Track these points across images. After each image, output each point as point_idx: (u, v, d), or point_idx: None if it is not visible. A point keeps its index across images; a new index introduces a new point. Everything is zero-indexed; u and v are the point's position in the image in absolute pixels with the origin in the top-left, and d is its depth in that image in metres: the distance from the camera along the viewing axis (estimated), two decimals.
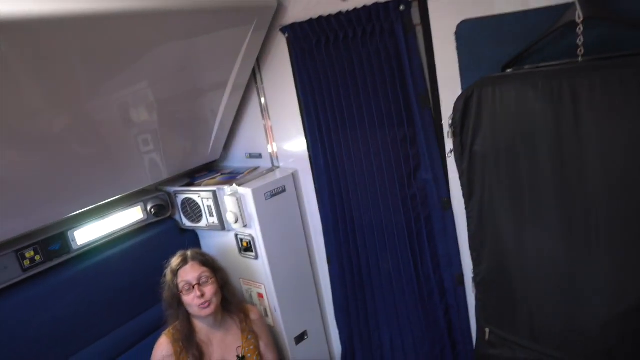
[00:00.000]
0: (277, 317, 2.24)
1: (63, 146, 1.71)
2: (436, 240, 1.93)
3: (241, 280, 2.32)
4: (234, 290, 2.08)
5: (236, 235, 2.22)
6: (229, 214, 2.13)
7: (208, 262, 1.98)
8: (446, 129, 1.51)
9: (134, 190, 2.11)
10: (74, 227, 2.03)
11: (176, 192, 2.31)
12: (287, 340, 2.27)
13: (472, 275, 1.64)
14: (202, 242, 2.40)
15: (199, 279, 1.91)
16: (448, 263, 1.93)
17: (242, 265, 2.28)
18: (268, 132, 2.30)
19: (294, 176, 2.26)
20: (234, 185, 2.14)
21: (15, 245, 1.87)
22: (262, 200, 2.12)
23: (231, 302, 2.03)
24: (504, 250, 1.46)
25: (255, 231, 2.14)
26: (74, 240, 2.03)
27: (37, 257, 1.93)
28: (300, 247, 2.32)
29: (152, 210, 2.27)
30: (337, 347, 2.45)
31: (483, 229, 1.50)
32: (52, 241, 1.97)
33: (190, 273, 1.92)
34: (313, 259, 2.37)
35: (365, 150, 1.95)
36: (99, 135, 1.85)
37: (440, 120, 1.73)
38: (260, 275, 2.22)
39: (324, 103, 2.00)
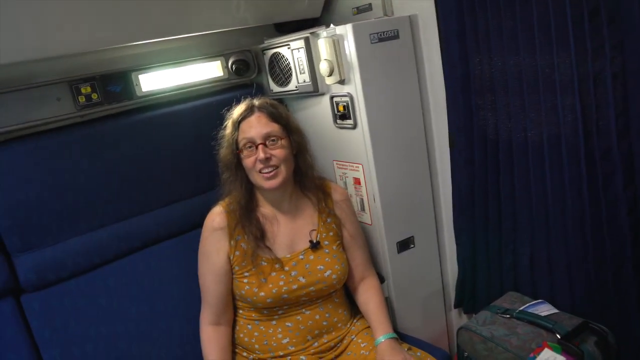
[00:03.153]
0: (377, 211, 1.71)
1: None
2: (628, 86, 1.23)
3: (334, 163, 1.82)
4: (312, 162, 1.55)
5: (331, 99, 1.72)
6: (322, 64, 1.63)
7: (281, 118, 1.46)
8: None
9: (211, 30, 1.70)
10: (140, 70, 1.70)
11: (264, 49, 1.87)
12: (386, 244, 1.73)
13: None
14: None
15: (266, 137, 1.42)
16: None
17: (336, 141, 1.78)
18: None
19: (412, 21, 1.68)
20: (332, 25, 1.63)
21: (69, 77, 1.58)
22: (366, 42, 1.58)
23: (307, 175, 1.52)
24: None
25: (354, 88, 1.62)
26: (138, 84, 1.70)
27: (94, 96, 1.62)
28: (413, 119, 1.74)
29: (234, 66, 1.86)
30: (452, 263, 1.85)
31: None
32: (113, 80, 1.66)
33: (255, 127, 1.42)
34: (430, 137, 1.78)
35: None
36: None
37: None
38: (359, 152, 1.70)
39: None
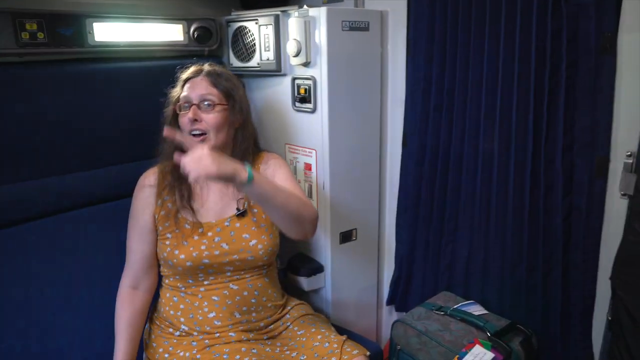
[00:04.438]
0: (324, 199, 1.70)
1: None
2: (578, 104, 1.33)
3: (286, 146, 1.80)
4: (252, 136, 1.51)
5: (293, 80, 1.70)
6: (290, 43, 1.60)
7: (224, 86, 1.42)
8: None
9: None
10: (96, 17, 1.58)
11: (229, 21, 1.82)
12: (329, 233, 1.72)
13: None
14: (249, 94, 1.87)
15: (202, 99, 1.38)
16: (589, 141, 1.32)
17: (291, 125, 1.75)
18: None
19: (383, 16, 1.70)
20: (305, 6, 1.62)
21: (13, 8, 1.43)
22: (337, 29, 1.58)
23: (245, 150, 1.47)
24: None
25: (319, 71, 1.61)
26: (91, 32, 1.57)
27: (40, 35, 1.48)
28: (372, 112, 1.76)
29: (196, 33, 1.79)
30: (390, 260, 1.88)
31: None
32: (65, 22, 1.52)
33: (194, 89, 1.40)
34: (384, 133, 1.81)
35: None
36: None
37: None
38: (314, 137, 1.68)
39: None
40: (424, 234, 1.73)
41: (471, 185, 1.58)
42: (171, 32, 1.77)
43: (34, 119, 1.49)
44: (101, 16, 1.59)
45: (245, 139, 1.47)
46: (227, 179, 1.12)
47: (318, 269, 1.75)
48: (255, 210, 1.45)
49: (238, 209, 1.43)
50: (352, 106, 1.68)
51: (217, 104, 1.39)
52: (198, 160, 1.08)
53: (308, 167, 1.74)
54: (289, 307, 1.55)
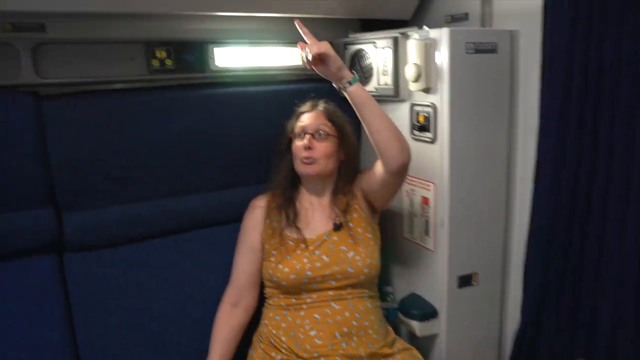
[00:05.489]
0: (443, 238, 1.54)
1: None
2: None
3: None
4: (355, 171, 1.58)
5: (412, 107, 1.58)
6: (409, 67, 1.50)
7: (337, 121, 1.54)
8: None
9: (295, 14, 1.60)
10: (217, 43, 1.63)
11: (347, 44, 1.77)
12: (447, 276, 1.55)
13: None
14: None
15: (317, 129, 1.50)
16: None
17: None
18: None
19: (513, 36, 1.53)
20: (425, 27, 1.50)
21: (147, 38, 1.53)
22: (460, 51, 1.45)
23: (346, 182, 1.56)
24: None
25: (440, 98, 1.48)
26: (212, 57, 1.63)
27: (168, 62, 1.56)
28: (498, 142, 1.58)
29: None
30: (514, 311, 1.64)
31: None
32: (189, 49, 1.59)
33: (311, 120, 1.52)
34: (513, 166, 1.60)
35: None
36: None
37: None
38: (433, 169, 1.54)
39: None
40: (557, 283, 1.48)
41: (618, 232, 1.32)
42: (289, 57, 1.76)
43: (159, 141, 1.57)
44: (222, 42, 1.64)
45: (347, 172, 1.56)
46: (337, 67, 1.34)
47: (432, 313, 1.59)
48: (351, 225, 1.51)
49: (335, 223, 1.50)
50: (477, 136, 1.53)
51: (330, 135, 1.51)
52: (321, 44, 1.33)
53: (425, 200, 1.60)
54: (395, 350, 1.45)
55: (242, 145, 1.68)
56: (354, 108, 1.39)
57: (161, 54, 1.54)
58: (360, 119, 1.40)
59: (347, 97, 1.38)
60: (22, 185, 1.43)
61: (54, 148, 1.44)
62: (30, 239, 1.45)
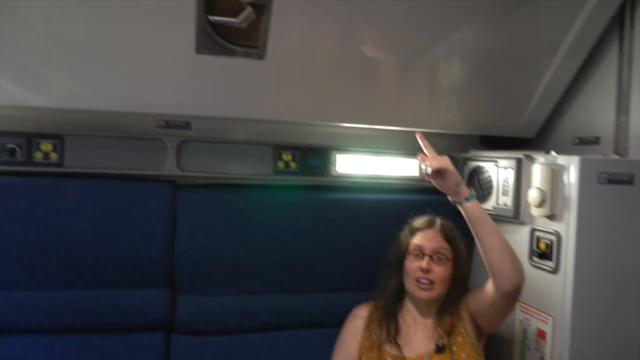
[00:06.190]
0: None
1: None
2: None
3: (519, 304, 1.56)
4: (464, 291, 1.49)
5: (532, 232, 1.50)
6: (532, 191, 1.44)
7: (454, 242, 1.48)
8: None
9: (415, 128, 1.65)
10: (338, 150, 1.72)
11: (466, 159, 1.76)
12: None
13: None
14: None
15: (435, 252, 1.44)
16: None
17: (527, 280, 1.53)
18: (621, 102, 1.54)
19: None
20: (553, 152, 1.46)
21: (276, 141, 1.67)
22: (591, 181, 1.37)
23: (453, 301, 1.47)
24: None
25: (565, 227, 1.39)
26: (334, 163, 1.71)
27: (293, 164, 1.67)
28: (630, 279, 1.43)
29: None
30: None
31: None
32: (313, 154, 1.69)
33: (429, 240, 1.47)
34: None
35: None
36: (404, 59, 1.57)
37: None
38: (553, 301, 1.43)
39: None
40: None
41: None
42: (406, 167, 1.79)
43: (274, 238, 1.64)
44: (344, 149, 1.72)
45: (456, 292, 1.48)
46: (456, 182, 1.32)
47: None
48: (455, 349, 1.42)
49: (437, 345, 1.42)
50: (606, 271, 1.40)
51: (448, 259, 1.45)
52: (442, 159, 1.33)
53: (541, 334, 1.46)
54: None
55: (352, 251, 1.69)
56: (469, 224, 1.35)
57: (287, 156, 1.65)
58: (474, 235, 1.35)
59: (462, 212, 1.35)
60: (147, 266, 1.56)
61: (181, 234, 1.57)
62: (146, 316, 1.55)
